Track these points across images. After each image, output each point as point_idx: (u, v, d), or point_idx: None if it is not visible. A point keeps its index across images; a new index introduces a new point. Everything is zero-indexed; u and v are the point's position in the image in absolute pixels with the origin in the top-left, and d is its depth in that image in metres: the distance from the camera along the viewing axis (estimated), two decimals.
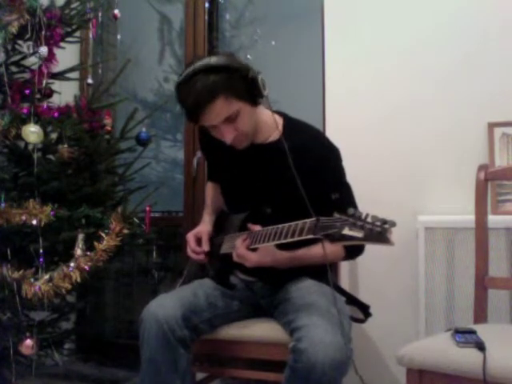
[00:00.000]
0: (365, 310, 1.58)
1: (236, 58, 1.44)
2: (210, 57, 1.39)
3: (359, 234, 1.04)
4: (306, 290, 1.50)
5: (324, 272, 1.51)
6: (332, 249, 1.43)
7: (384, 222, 1.05)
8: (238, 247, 1.47)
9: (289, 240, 1.29)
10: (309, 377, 1.24)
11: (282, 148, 1.42)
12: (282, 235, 1.31)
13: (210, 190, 1.83)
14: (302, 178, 1.39)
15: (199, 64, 1.37)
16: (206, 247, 1.63)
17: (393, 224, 1.04)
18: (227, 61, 1.38)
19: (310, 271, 1.55)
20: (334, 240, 1.10)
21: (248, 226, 1.49)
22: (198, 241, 1.66)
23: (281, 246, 1.46)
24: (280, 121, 1.58)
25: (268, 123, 1.54)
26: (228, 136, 1.44)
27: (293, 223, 1.29)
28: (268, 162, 1.56)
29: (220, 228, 1.70)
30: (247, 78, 1.39)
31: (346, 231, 1.05)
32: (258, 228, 1.45)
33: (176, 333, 1.42)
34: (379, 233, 1.04)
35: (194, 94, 1.36)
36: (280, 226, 1.34)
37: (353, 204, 1.54)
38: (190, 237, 1.66)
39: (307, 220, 1.23)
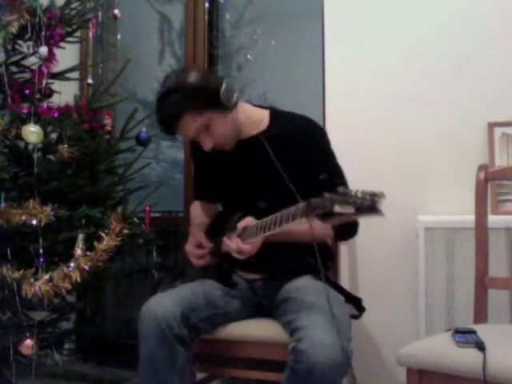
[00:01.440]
0: (358, 304, 1.58)
1: (197, 69, 1.58)
2: (171, 78, 1.52)
3: (350, 210, 1.05)
4: (306, 290, 1.50)
5: (323, 268, 1.53)
6: (320, 225, 1.46)
7: (373, 194, 1.06)
8: (233, 243, 1.46)
9: (283, 227, 1.28)
10: (309, 377, 1.24)
11: (267, 138, 1.48)
12: (277, 224, 1.31)
13: (196, 208, 1.84)
14: (289, 163, 1.44)
15: (163, 87, 1.51)
16: (207, 244, 1.63)
17: (382, 195, 1.06)
18: (183, 79, 1.49)
19: (310, 268, 1.55)
20: (327, 219, 1.10)
21: (240, 223, 1.48)
22: (198, 247, 1.66)
23: None
24: (266, 114, 1.63)
25: (252, 119, 1.61)
26: (206, 145, 1.53)
27: (284, 210, 1.29)
28: (254, 156, 1.60)
29: (218, 230, 1.69)
30: (207, 90, 1.47)
31: (337, 209, 1.06)
32: (250, 220, 1.46)
33: (174, 330, 1.42)
34: (369, 206, 1.05)
35: (162, 116, 1.51)
36: (271, 216, 1.34)
37: (342, 182, 1.55)
38: (189, 247, 1.66)
39: (299, 204, 1.23)
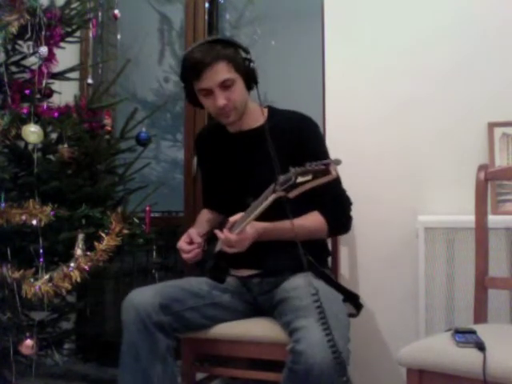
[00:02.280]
0: (355, 301, 1.58)
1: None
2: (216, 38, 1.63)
3: (309, 177, 1.19)
4: (303, 289, 1.49)
5: (321, 265, 1.57)
6: (313, 218, 1.61)
7: (326, 162, 1.19)
8: (221, 234, 1.50)
9: (260, 210, 1.35)
10: (307, 378, 1.24)
11: (265, 130, 1.55)
12: (254, 209, 1.38)
13: (202, 215, 1.87)
14: (284, 155, 1.49)
15: (207, 38, 1.62)
16: (197, 239, 1.63)
17: (338, 162, 1.19)
18: (233, 41, 1.63)
19: (308, 264, 1.56)
20: (292, 190, 1.22)
21: (231, 218, 1.50)
22: (189, 243, 1.65)
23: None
24: (265, 111, 1.73)
25: (255, 111, 1.68)
26: (220, 101, 1.58)
27: (261, 195, 1.35)
28: (253, 146, 1.68)
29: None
30: (247, 59, 1.60)
31: (299, 179, 1.20)
32: (239, 215, 1.48)
33: (152, 318, 1.46)
34: (323, 170, 1.18)
35: (199, 53, 1.56)
36: (254, 203, 1.39)
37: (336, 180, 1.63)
38: (180, 244, 1.65)
39: (270, 187, 1.31)
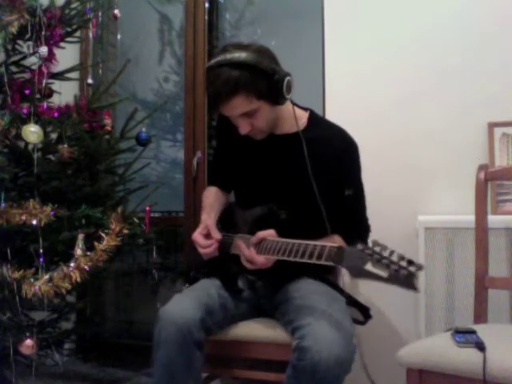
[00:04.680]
0: (365, 312, 1.56)
1: (268, 54, 1.46)
2: (242, 50, 1.41)
3: (383, 273, 1.00)
4: (306, 289, 1.50)
5: (324, 272, 1.52)
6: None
7: (410, 262, 0.99)
8: (247, 251, 1.41)
9: (304, 260, 1.24)
10: (313, 374, 1.23)
11: (302, 138, 1.46)
12: (298, 255, 1.27)
13: (211, 195, 1.74)
14: (318, 168, 1.42)
15: (229, 56, 1.39)
16: (217, 235, 1.53)
17: (420, 267, 0.99)
18: (255, 59, 1.40)
19: (310, 271, 1.55)
20: (356, 274, 1.06)
21: (260, 234, 1.41)
22: (206, 236, 1.56)
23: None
24: (305, 115, 1.62)
25: (290, 117, 1.55)
26: (243, 129, 1.49)
27: (311, 243, 1.24)
28: (285, 153, 1.58)
29: (229, 223, 1.63)
30: (272, 80, 1.41)
31: (369, 267, 1.02)
32: (270, 233, 1.40)
33: (194, 335, 1.39)
34: (405, 277, 0.99)
35: (216, 85, 1.40)
36: (296, 242, 1.29)
37: (362, 205, 1.61)
38: (197, 236, 1.55)
39: (327, 244, 1.19)
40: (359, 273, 1.05)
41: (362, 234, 1.62)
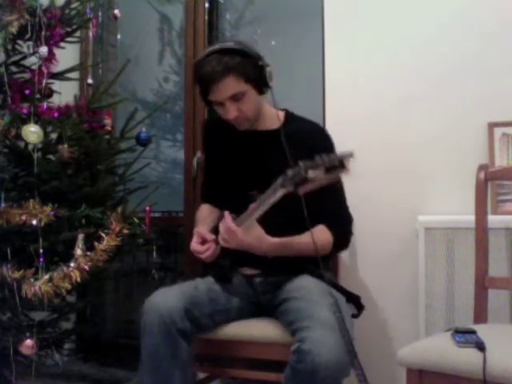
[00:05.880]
0: (357, 302, 1.57)
1: (251, 46, 1.60)
2: (227, 42, 1.59)
3: (320, 171, 1.12)
4: (307, 290, 1.50)
5: (323, 267, 1.53)
6: (319, 237, 1.51)
7: (341, 155, 1.12)
8: (224, 224, 1.45)
9: (267, 206, 1.31)
10: (311, 378, 1.23)
11: (280, 134, 1.53)
12: (262, 204, 1.33)
13: (204, 211, 1.81)
14: (298, 159, 1.44)
15: (217, 46, 1.55)
16: (209, 236, 1.58)
17: (350, 155, 1.11)
18: (242, 46, 1.56)
19: (309, 268, 1.56)
20: (303, 185, 1.15)
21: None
22: (202, 243, 1.61)
23: (271, 232, 1.48)
24: (282, 114, 1.72)
25: (270, 114, 1.69)
26: (231, 113, 1.57)
27: (267, 189, 1.31)
28: (267, 148, 1.66)
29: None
30: (257, 66, 1.55)
31: (310, 174, 1.12)
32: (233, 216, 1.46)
33: (177, 325, 1.43)
34: (337, 164, 1.10)
35: (208, 68, 1.52)
36: (259, 198, 1.35)
37: (340, 195, 1.65)
38: (193, 245, 1.60)
39: (278, 180, 1.26)
40: (305, 181, 1.14)
41: (346, 223, 1.65)
